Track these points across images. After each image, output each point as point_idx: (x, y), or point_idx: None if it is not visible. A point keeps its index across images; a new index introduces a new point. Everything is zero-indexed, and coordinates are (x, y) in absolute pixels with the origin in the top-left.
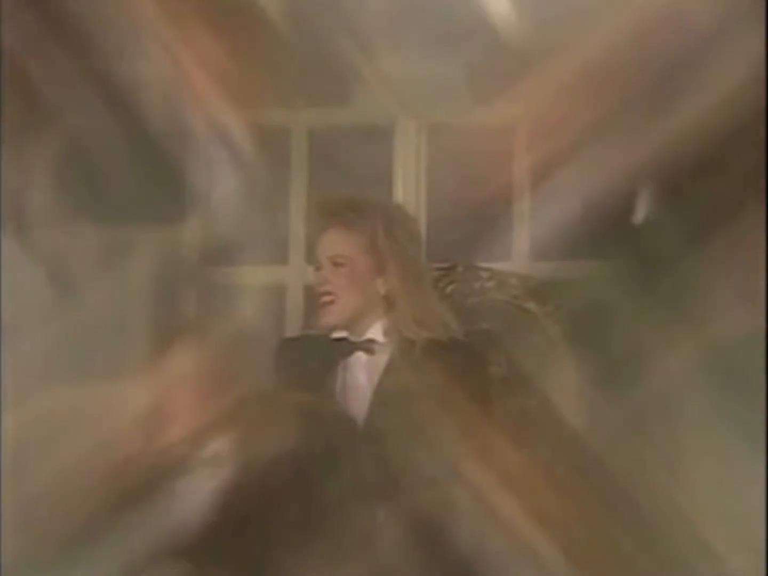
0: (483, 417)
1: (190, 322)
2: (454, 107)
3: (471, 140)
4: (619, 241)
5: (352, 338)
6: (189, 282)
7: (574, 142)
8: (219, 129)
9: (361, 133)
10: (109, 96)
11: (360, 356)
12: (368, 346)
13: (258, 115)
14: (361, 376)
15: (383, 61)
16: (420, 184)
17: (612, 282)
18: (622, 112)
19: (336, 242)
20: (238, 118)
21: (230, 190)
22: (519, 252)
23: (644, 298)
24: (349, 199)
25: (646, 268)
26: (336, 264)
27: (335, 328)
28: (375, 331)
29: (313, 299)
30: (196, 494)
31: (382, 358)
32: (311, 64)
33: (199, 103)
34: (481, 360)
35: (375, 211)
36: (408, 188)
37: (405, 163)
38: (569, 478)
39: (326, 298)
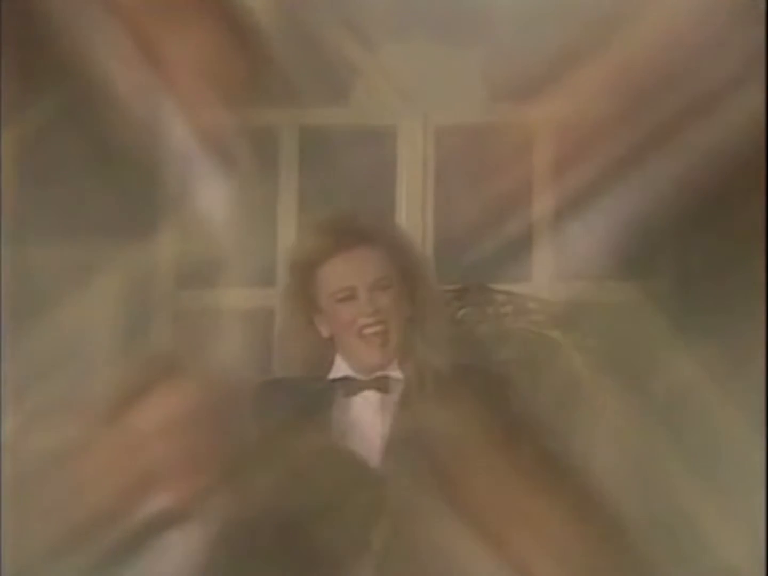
0: (506, 462)
1: (164, 355)
2: (467, 106)
3: (485, 144)
4: (655, 259)
5: (360, 376)
6: (163, 307)
7: (603, 148)
8: (197, 130)
9: (359, 134)
10: (72, 95)
11: (368, 396)
12: (383, 384)
13: (242, 114)
14: (371, 418)
15: (385, 53)
16: (427, 193)
17: (648, 306)
18: (656, 119)
19: (374, 263)
20: (219, 117)
21: (210, 200)
22: (540, 272)
23: (684, 325)
24: (357, 216)
25: (685, 289)
26: (381, 288)
27: (383, 367)
28: (390, 365)
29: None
30: (179, 552)
31: (393, 395)
32: (303, 58)
33: (174, 102)
34: (507, 395)
35: (389, 228)
36: (413, 198)
37: (410, 170)
38: (596, 532)
39: (378, 328)
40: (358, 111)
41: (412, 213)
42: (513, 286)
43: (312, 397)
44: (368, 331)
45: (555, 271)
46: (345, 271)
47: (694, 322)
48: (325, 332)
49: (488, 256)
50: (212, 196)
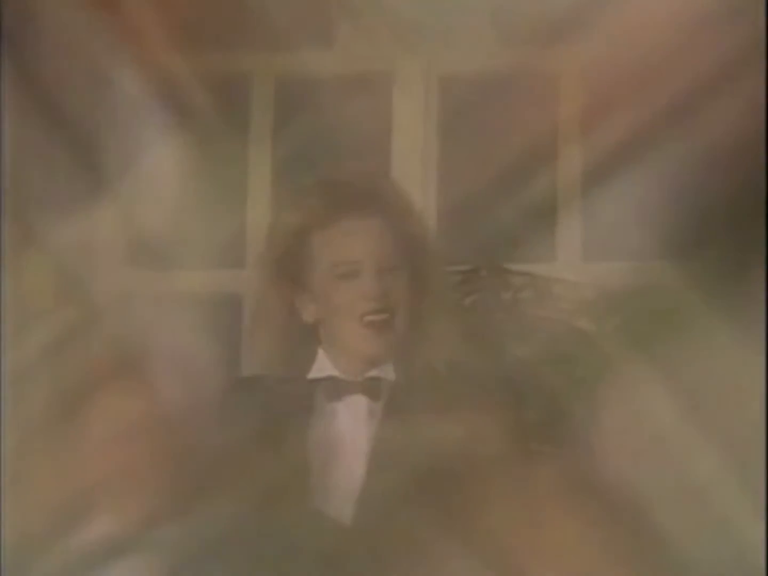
0: (522, 483)
1: (108, 351)
2: (476, 50)
3: (498, 95)
4: (702, 234)
5: (347, 376)
6: (106, 292)
7: (640, 99)
8: (150, 77)
9: (347, 83)
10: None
11: (356, 401)
12: (372, 386)
13: (207, 59)
14: (357, 431)
15: None
16: (428, 154)
17: (694, 292)
18: (705, 61)
19: (383, 237)
20: (178, 62)
21: (164, 163)
22: (567, 251)
23: (737, 314)
24: (359, 177)
25: (738, 271)
26: (389, 268)
27: (379, 362)
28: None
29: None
30: None
31: (381, 402)
32: None
33: (124, 43)
34: (518, 400)
35: (396, 196)
36: (412, 160)
37: (408, 125)
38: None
39: (383, 317)
40: (346, 55)
41: (411, 178)
42: (534, 266)
43: (289, 402)
44: (371, 318)
45: (584, 249)
46: (349, 243)
47: (748, 310)
48: (309, 316)
49: (503, 231)
50: (167, 158)
